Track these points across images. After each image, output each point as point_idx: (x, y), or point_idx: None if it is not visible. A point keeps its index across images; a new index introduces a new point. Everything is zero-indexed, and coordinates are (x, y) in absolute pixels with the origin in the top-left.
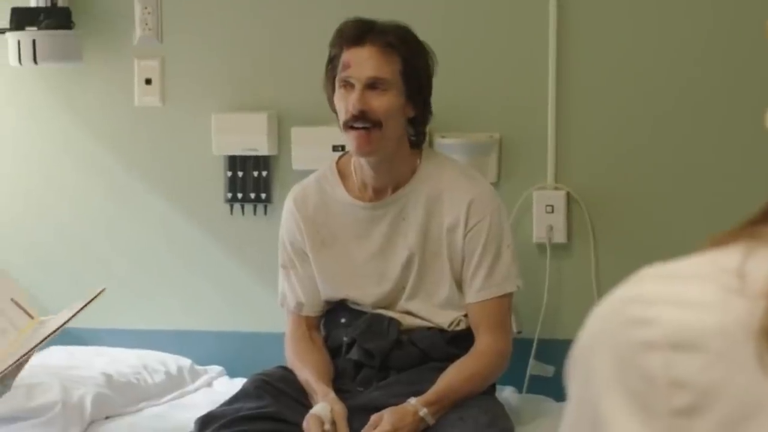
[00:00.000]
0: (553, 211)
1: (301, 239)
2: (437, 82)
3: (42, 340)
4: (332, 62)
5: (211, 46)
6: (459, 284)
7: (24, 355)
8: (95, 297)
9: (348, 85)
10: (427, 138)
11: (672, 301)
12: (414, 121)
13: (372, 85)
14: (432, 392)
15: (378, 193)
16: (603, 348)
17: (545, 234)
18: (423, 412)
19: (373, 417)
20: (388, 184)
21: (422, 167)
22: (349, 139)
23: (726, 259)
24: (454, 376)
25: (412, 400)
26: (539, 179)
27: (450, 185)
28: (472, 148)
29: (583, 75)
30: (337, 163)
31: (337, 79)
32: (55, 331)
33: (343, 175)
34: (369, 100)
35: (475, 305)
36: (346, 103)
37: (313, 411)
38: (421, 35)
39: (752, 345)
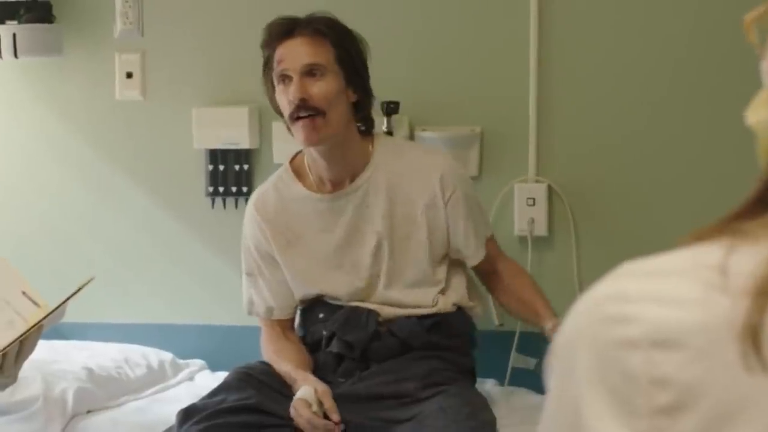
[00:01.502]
0: (534, 204)
1: (266, 242)
2: (419, 75)
3: (29, 329)
4: (267, 63)
5: (192, 40)
6: (437, 259)
7: (12, 343)
8: (85, 285)
9: (286, 78)
10: (374, 123)
11: (653, 298)
12: (358, 106)
13: (308, 72)
14: (544, 307)
15: (336, 185)
16: (583, 346)
17: (527, 227)
18: (550, 324)
19: None
20: (344, 174)
21: (377, 153)
22: (296, 132)
23: (708, 255)
24: (532, 287)
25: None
26: (520, 172)
27: (414, 165)
28: (454, 142)
29: (564, 68)
30: (290, 162)
31: (274, 76)
32: (43, 319)
33: (298, 174)
34: (308, 87)
35: (480, 263)
36: (287, 96)
37: (297, 396)
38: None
39: (735, 343)
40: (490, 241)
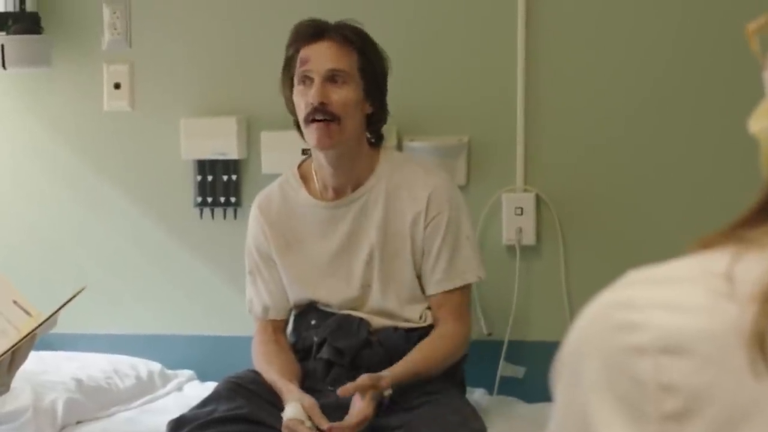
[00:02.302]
0: (522, 214)
1: (266, 244)
2: (407, 85)
3: (22, 339)
4: (289, 62)
5: (181, 51)
6: (420, 277)
7: (5, 352)
8: (77, 294)
9: (307, 79)
10: (386, 139)
11: (660, 305)
12: (371, 118)
13: (331, 77)
14: (400, 371)
15: (338, 193)
16: (591, 353)
17: (515, 236)
18: (388, 392)
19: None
20: (347, 183)
21: (380, 165)
22: (309, 134)
23: (714, 262)
24: (420, 356)
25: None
26: (508, 182)
27: (409, 180)
28: (442, 151)
29: (551, 78)
30: (299, 167)
31: (295, 76)
32: (36, 328)
33: (304, 178)
34: (328, 92)
35: (436, 296)
36: (306, 98)
37: (287, 416)
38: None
39: (743, 350)
40: (459, 293)
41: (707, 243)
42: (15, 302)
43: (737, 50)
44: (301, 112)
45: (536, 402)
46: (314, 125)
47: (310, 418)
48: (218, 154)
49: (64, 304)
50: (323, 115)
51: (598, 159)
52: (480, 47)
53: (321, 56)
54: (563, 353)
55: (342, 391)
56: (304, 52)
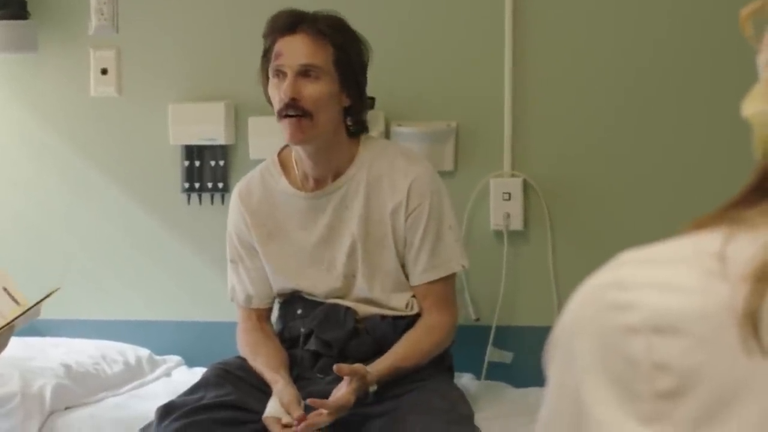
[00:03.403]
0: (510, 199)
1: (247, 232)
2: (395, 71)
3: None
4: (265, 54)
5: (168, 36)
6: (404, 267)
7: None
8: (48, 296)
9: (281, 73)
10: (370, 127)
11: (653, 285)
12: (350, 110)
13: (304, 72)
14: (385, 367)
15: (318, 183)
16: (584, 333)
17: (502, 221)
18: (373, 388)
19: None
20: (327, 173)
21: (360, 154)
22: (282, 128)
23: (707, 242)
24: (405, 349)
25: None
26: (496, 167)
27: (390, 169)
28: (429, 137)
29: (539, 63)
30: (279, 155)
31: (270, 69)
32: (18, 317)
33: (284, 166)
34: (300, 87)
35: (420, 286)
36: (279, 92)
37: (266, 414)
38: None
39: (735, 329)
40: (444, 283)
41: (700, 224)
42: (5, 289)
43: (724, 40)
44: (275, 106)
45: (524, 386)
46: (286, 120)
47: (289, 413)
48: (206, 140)
49: (46, 297)
50: (295, 110)
51: (585, 144)
52: (468, 33)
53: (294, 51)
54: (556, 334)
55: (337, 368)
56: (278, 46)
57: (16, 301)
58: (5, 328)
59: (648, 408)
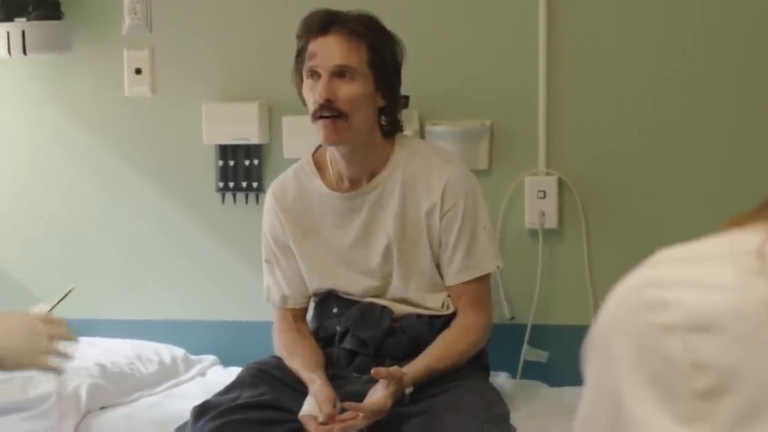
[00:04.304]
0: (544, 197)
1: (282, 232)
2: (429, 70)
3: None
4: (299, 54)
5: (201, 35)
6: (439, 267)
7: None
8: (65, 296)
9: (315, 74)
10: (404, 126)
11: (690, 283)
12: (385, 110)
13: (339, 73)
14: (420, 368)
15: (354, 183)
16: (622, 332)
17: (537, 220)
18: (408, 390)
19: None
20: (362, 173)
21: (395, 154)
22: (317, 129)
23: (745, 240)
24: (440, 351)
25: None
26: (531, 165)
27: (425, 169)
28: (464, 135)
29: (573, 61)
30: (313, 155)
31: (304, 69)
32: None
33: (319, 166)
34: (335, 88)
35: (455, 287)
36: (313, 93)
37: (303, 412)
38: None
39: None
40: (478, 283)
41: (737, 221)
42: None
43: (759, 37)
44: (310, 107)
45: (559, 385)
46: (321, 122)
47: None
48: (240, 139)
49: (56, 304)
50: (330, 111)
51: (620, 141)
52: (502, 31)
53: (328, 51)
54: (594, 333)
55: (375, 371)
56: (312, 46)
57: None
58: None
59: (686, 408)
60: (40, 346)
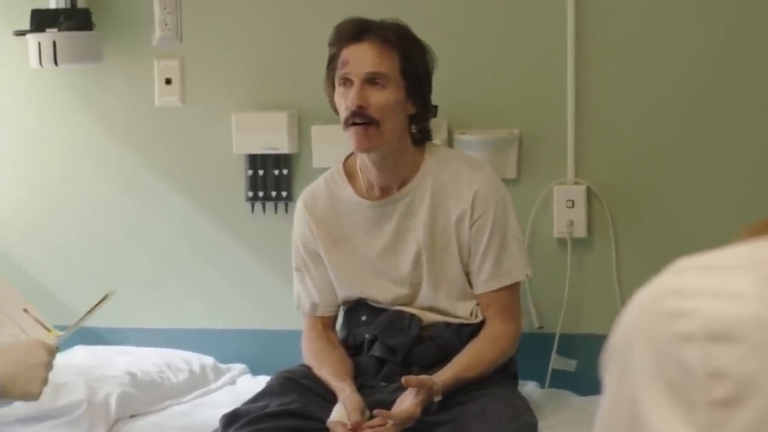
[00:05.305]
0: (573, 206)
1: (313, 240)
2: (458, 79)
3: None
4: (331, 62)
5: (231, 45)
6: (468, 275)
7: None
8: (102, 301)
9: (347, 81)
10: (434, 135)
11: (710, 292)
12: (415, 118)
13: (371, 80)
14: (448, 377)
15: (384, 192)
16: (640, 340)
17: (566, 229)
18: (437, 398)
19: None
20: (393, 181)
21: (426, 162)
22: (349, 136)
23: (765, 250)
24: (469, 359)
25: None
26: (559, 174)
27: (455, 177)
28: (492, 144)
29: (601, 70)
30: (344, 164)
31: (336, 77)
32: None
33: (350, 175)
34: (367, 95)
35: (484, 295)
36: (345, 100)
37: (331, 419)
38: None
39: None
40: (507, 291)
41: (757, 231)
42: (25, 311)
43: None
44: (342, 114)
45: (588, 395)
46: (353, 129)
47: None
48: (269, 149)
49: (92, 310)
50: (362, 118)
51: (649, 151)
52: (530, 40)
53: (361, 59)
54: (613, 341)
55: (406, 380)
56: (345, 54)
57: (46, 328)
58: (66, 333)
59: (703, 416)
60: (36, 375)
